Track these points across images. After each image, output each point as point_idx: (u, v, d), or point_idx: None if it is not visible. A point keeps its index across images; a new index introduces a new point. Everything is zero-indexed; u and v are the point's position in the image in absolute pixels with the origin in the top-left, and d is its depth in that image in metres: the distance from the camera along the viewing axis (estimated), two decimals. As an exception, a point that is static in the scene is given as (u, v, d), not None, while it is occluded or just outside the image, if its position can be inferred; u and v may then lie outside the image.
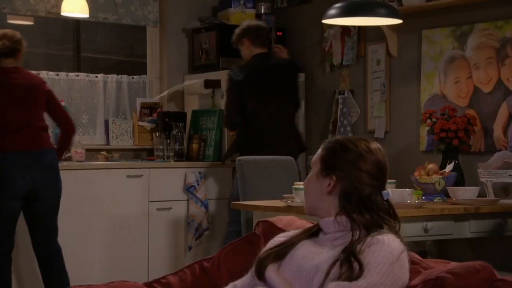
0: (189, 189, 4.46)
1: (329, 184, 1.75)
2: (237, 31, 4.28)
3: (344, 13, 3.44)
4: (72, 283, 3.91)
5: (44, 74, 4.65)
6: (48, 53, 4.99)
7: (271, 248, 1.81)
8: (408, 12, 4.10)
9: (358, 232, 1.69)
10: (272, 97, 4.22)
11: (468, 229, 3.24)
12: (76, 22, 4.89)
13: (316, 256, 1.72)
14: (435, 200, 3.33)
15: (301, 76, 4.90)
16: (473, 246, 3.88)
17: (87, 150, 4.47)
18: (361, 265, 1.61)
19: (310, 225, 1.90)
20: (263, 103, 4.19)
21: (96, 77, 4.81)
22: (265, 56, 4.26)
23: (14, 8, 4.50)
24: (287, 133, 4.24)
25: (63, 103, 4.54)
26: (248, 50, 4.25)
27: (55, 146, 3.83)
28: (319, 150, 1.81)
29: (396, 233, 1.72)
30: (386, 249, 1.64)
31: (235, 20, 4.89)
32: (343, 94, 4.68)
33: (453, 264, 1.72)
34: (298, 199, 3.09)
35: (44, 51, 4.99)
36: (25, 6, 4.51)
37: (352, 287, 1.59)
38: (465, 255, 3.85)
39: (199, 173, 4.52)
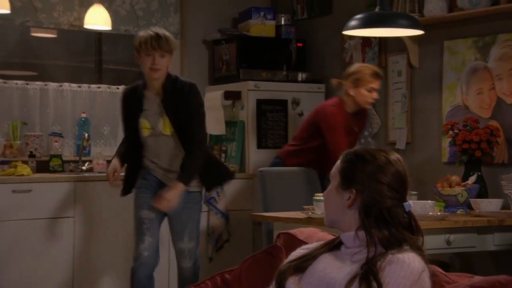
0: (209, 201, 4.46)
1: (349, 198, 1.72)
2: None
3: (365, 24, 3.43)
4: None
5: (66, 86, 4.70)
6: (70, 65, 5.03)
7: (291, 261, 1.80)
8: (430, 23, 4.08)
9: (373, 249, 1.66)
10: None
11: (492, 242, 3.20)
12: (98, 34, 4.93)
13: (336, 270, 1.70)
14: (457, 212, 3.29)
15: (322, 87, 4.89)
16: (497, 259, 3.83)
17: (108, 161, 4.49)
18: (380, 285, 1.58)
19: (331, 237, 1.88)
20: None
21: (118, 88, 4.84)
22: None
23: (37, 21, 4.55)
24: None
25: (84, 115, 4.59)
26: None
27: None
28: (338, 162, 1.78)
29: (418, 248, 1.69)
30: (406, 269, 1.60)
31: (255, 31, 4.90)
32: (364, 105, 4.66)
33: (477, 278, 1.69)
34: (319, 211, 3.08)
35: (67, 63, 5.03)
36: (48, 19, 4.56)
37: None
38: (489, 269, 3.80)
39: (220, 184, 4.51)
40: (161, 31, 3.40)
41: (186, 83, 3.42)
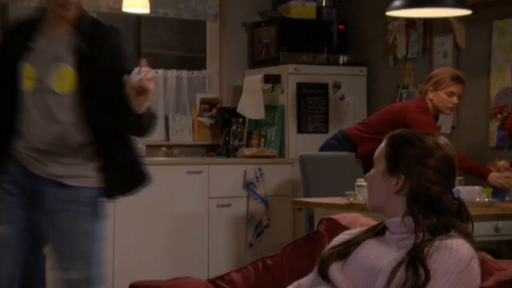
0: (248, 186, 4.43)
1: (396, 183, 1.67)
2: None
3: (409, 4, 3.35)
4: (132, 280, 3.92)
5: (105, 70, 4.71)
6: (110, 50, 5.04)
7: (334, 246, 1.75)
8: (478, 2, 3.94)
9: (421, 235, 1.61)
10: None
11: (542, 229, 3.09)
12: (137, 18, 4.92)
13: (381, 255, 1.65)
14: (506, 199, 3.21)
15: (364, 70, 4.79)
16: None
17: (147, 146, 4.48)
18: (427, 272, 1.53)
19: (375, 223, 1.83)
20: None
21: (157, 72, 4.82)
22: None
23: (76, 5, 4.55)
24: None
25: None
26: None
27: None
28: (382, 145, 1.72)
29: (468, 235, 1.63)
30: (455, 256, 1.55)
31: (296, 13, 4.82)
32: (407, 88, 4.55)
33: (529, 266, 1.62)
34: (361, 197, 3.03)
35: (106, 47, 5.04)
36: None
37: None
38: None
39: (259, 169, 4.47)
40: None
41: (113, 26, 2.37)
